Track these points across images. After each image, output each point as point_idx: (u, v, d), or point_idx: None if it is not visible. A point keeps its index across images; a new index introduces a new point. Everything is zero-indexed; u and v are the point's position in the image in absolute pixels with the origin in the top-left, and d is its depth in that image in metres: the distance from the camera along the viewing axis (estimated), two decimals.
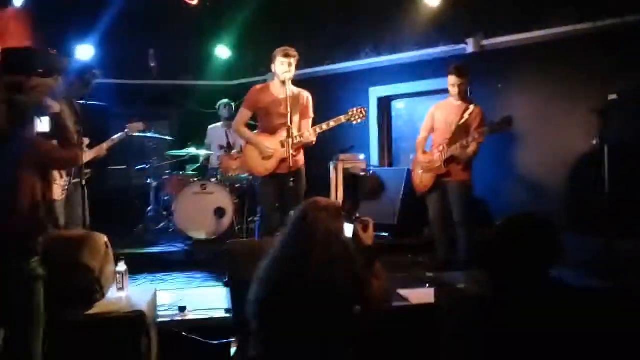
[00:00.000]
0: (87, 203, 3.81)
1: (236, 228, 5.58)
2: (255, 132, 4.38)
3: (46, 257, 2.43)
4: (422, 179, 4.45)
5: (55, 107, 2.73)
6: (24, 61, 4.94)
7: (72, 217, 3.82)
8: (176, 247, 5.46)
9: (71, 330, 2.72)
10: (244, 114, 4.30)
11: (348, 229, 2.15)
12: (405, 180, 5.53)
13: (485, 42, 5.58)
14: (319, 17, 6.63)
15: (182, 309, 3.55)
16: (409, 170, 5.15)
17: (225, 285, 3.90)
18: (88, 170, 3.96)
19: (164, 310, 3.54)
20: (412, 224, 5.36)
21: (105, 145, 4.30)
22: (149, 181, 6.06)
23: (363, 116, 4.14)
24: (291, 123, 3.97)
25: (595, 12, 4.79)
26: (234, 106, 6.18)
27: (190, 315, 3.50)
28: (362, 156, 6.12)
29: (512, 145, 5.38)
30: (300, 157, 4.27)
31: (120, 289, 3.07)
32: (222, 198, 5.49)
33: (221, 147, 5.96)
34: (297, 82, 4.21)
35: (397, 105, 6.76)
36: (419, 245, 5.13)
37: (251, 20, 6.66)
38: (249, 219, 5.67)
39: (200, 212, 5.41)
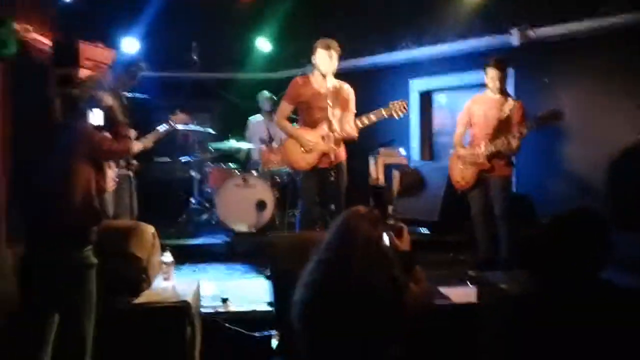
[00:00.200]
0: (135, 194, 3.91)
1: (277, 221, 5.62)
2: (296, 125, 4.38)
3: (96, 247, 2.51)
4: (464, 175, 4.37)
5: (108, 99, 2.79)
6: (73, 55, 5.09)
7: (121, 208, 3.91)
8: (218, 239, 5.54)
9: (118, 318, 2.80)
10: (285, 107, 4.29)
11: (385, 237, 2.18)
12: (447, 175, 5.43)
13: (530, 33, 5.40)
14: (359, 8, 6.58)
15: (224, 300, 3.60)
16: None
17: (267, 278, 3.94)
18: (135, 162, 4.05)
19: (207, 301, 3.60)
20: (454, 221, 5.27)
21: (151, 137, 4.37)
22: (192, 173, 6.15)
23: (404, 109, 4.05)
24: (332, 117, 3.96)
25: None
26: (275, 98, 6.21)
27: (232, 307, 3.55)
28: (402, 150, 6.08)
29: (557, 140, 5.23)
30: (342, 151, 4.24)
31: (167, 279, 3.14)
32: (263, 191, 5.54)
33: (262, 140, 6.01)
34: (336, 74, 4.17)
35: (439, 99, 6.66)
36: (461, 242, 5.06)
37: (291, 12, 6.67)
38: (290, 213, 5.70)
39: (242, 204, 5.48)
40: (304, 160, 4.20)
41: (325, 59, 4.03)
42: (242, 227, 5.48)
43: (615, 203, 4.71)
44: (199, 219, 6.04)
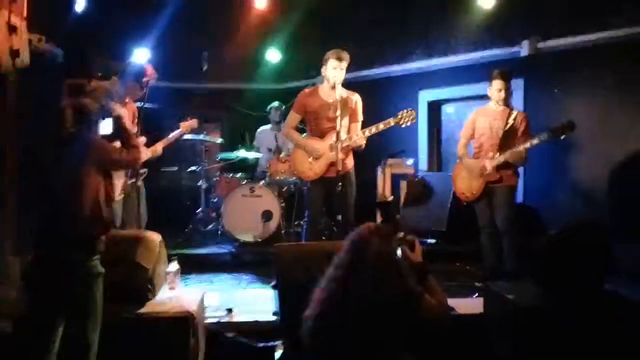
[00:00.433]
0: (144, 203, 3.93)
1: (283, 232, 5.62)
2: (304, 135, 4.40)
3: (103, 255, 2.52)
4: (471, 186, 4.36)
5: (118, 109, 2.82)
6: (85, 65, 5.15)
7: (129, 217, 3.93)
8: (224, 249, 5.55)
9: (122, 327, 2.80)
10: (293, 118, 4.33)
11: (398, 250, 2.19)
12: None
13: (541, 45, 5.41)
14: (369, 20, 6.61)
15: (229, 310, 3.59)
16: None
17: (274, 288, 3.93)
18: (144, 170, 4.08)
19: (212, 311, 3.59)
20: (462, 231, 5.25)
21: (160, 145, 4.40)
22: (199, 183, 6.18)
23: (413, 118, 4.05)
24: (340, 126, 3.96)
25: None
26: (284, 109, 6.24)
27: (237, 317, 3.53)
28: (410, 161, 6.07)
29: (567, 152, 5.20)
30: (350, 161, 4.24)
31: (172, 288, 3.14)
32: (270, 201, 5.54)
33: (270, 150, 6.02)
34: (346, 84, 4.18)
35: (447, 109, 6.65)
36: (469, 253, 5.02)
37: (301, 24, 6.71)
38: (296, 223, 5.70)
39: (248, 214, 5.48)
40: (312, 170, 4.21)
41: (336, 70, 4.05)
42: (248, 237, 5.49)
43: (626, 217, 4.68)
44: (205, 229, 6.05)
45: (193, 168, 6.25)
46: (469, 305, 3.56)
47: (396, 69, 6.64)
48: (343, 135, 4.04)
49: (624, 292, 2.59)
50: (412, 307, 1.98)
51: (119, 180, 3.85)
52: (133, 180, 3.90)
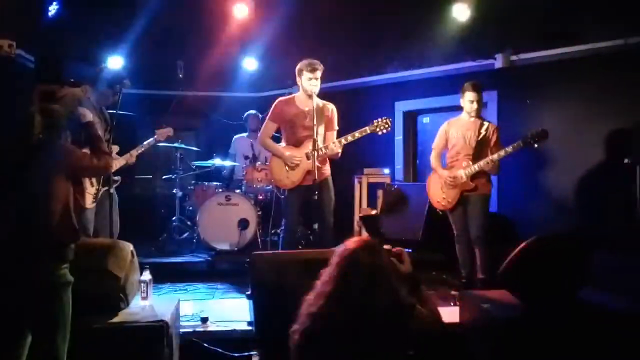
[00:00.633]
0: (117, 212, 3.86)
1: (259, 240, 5.58)
2: (280, 144, 4.39)
3: (73, 264, 2.46)
4: (447, 195, 4.40)
5: (88, 115, 2.77)
6: (57, 71, 5.06)
7: (101, 225, 3.85)
8: (199, 258, 5.50)
9: (94, 337, 2.73)
10: (269, 126, 4.33)
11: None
12: None
13: (514, 57, 5.54)
14: (345, 30, 6.65)
15: (204, 319, 3.54)
16: None
17: (248, 297, 3.89)
18: (117, 178, 4.01)
19: (186, 321, 3.54)
20: (437, 240, 5.28)
21: (134, 152, 4.34)
22: (174, 191, 6.11)
23: (388, 127, 4.12)
24: (317, 135, 3.97)
25: (626, 29, 4.72)
26: (260, 117, 6.22)
27: (212, 327, 3.48)
28: (386, 170, 6.11)
29: (540, 163, 5.30)
30: (326, 169, 4.26)
31: (144, 298, 3.09)
32: (246, 209, 5.51)
33: (246, 158, 6.00)
34: (322, 94, 4.21)
35: (423, 120, 6.72)
36: (444, 262, 5.06)
37: (278, 33, 6.71)
38: (273, 231, 5.68)
39: (224, 223, 5.44)
40: (289, 179, 4.21)
41: (312, 80, 4.09)
42: (224, 246, 5.44)
43: (599, 227, 4.77)
44: (180, 237, 5.98)
45: (168, 176, 6.19)
46: (446, 313, 3.54)
47: (372, 79, 6.70)
48: (320, 144, 4.05)
49: (598, 301, 2.63)
50: (404, 319, 1.97)
51: (92, 188, 3.78)
52: (106, 188, 3.83)
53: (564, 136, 5.06)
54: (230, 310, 3.86)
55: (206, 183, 6.11)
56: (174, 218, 6.08)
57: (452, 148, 4.45)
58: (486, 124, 4.36)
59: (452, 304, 3.91)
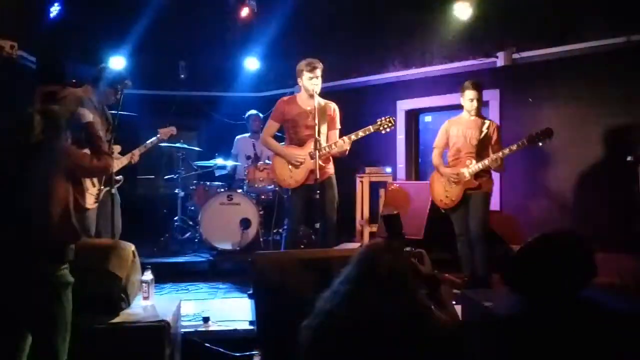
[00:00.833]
0: (119, 212, 3.86)
1: (261, 240, 5.58)
2: (282, 144, 4.39)
3: (74, 264, 2.46)
4: (450, 193, 4.40)
5: (88, 116, 2.77)
6: (58, 72, 5.07)
7: (103, 225, 3.86)
8: (201, 257, 5.50)
9: (96, 338, 2.72)
10: (271, 126, 4.33)
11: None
12: None
13: (516, 56, 5.52)
14: (347, 29, 6.64)
15: (205, 319, 3.54)
16: None
17: (250, 297, 3.89)
18: (119, 177, 4.02)
19: (188, 321, 3.54)
20: (439, 239, 5.27)
21: (137, 152, 4.34)
22: (176, 191, 6.12)
23: (392, 125, 4.12)
24: (319, 135, 3.97)
25: (629, 26, 4.71)
26: (262, 117, 6.22)
27: (213, 327, 3.48)
28: (388, 169, 6.10)
29: (542, 161, 5.28)
30: (330, 168, 4.25)
31: (146, 298, 3.09)
32: (248, 209, 5.51)
33: (248, 158, 5.99)
34: (324, 94, 4.20)
35: (425, 119, 6.71)
36: (446, 261, 5.04)
37: (280, 33, 6.71)
38: (275, 231, 5.68)
39: (226, 222, 5.44)
40: (292, 178, 4.20)
41: (313, 79, 4.09)
42: (226, 246, 5.44)
43: (601, 225, 4.75)
44: (182, 237, 5.98)
45: (170, 176, 6.19)
46: None
47: (374, 78, 6.69)
48: (322, 143, 4.05)
49: (599, 301, 2.62)
50: (421, 322, 1.96)
51: (94, 188, 3.78)
52: (108, 188, 3.84)
53: (566, 134, 5.03)
54: (232, 310, 3.85)
55: (208, 183, 6.11)
56: (176, 218, 6.09)
57: (453, 146, 4.44)
58: (487, 122, 4.35)
59: (454, 302, 3.90)
